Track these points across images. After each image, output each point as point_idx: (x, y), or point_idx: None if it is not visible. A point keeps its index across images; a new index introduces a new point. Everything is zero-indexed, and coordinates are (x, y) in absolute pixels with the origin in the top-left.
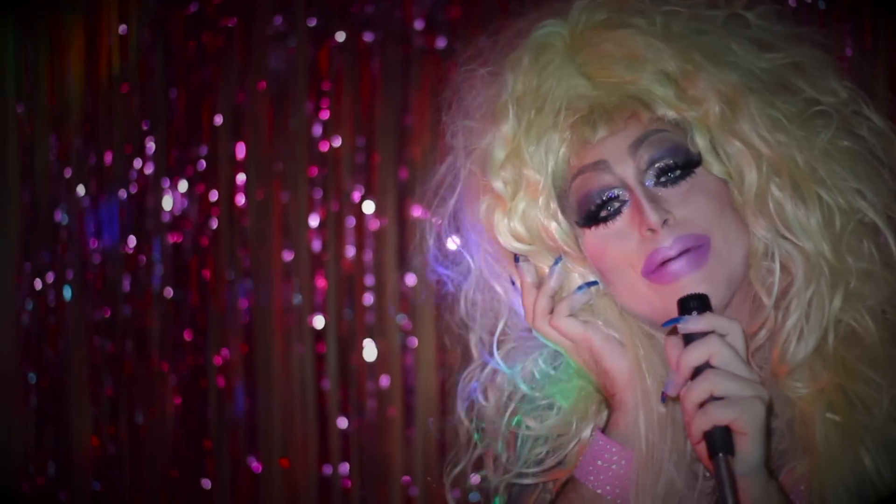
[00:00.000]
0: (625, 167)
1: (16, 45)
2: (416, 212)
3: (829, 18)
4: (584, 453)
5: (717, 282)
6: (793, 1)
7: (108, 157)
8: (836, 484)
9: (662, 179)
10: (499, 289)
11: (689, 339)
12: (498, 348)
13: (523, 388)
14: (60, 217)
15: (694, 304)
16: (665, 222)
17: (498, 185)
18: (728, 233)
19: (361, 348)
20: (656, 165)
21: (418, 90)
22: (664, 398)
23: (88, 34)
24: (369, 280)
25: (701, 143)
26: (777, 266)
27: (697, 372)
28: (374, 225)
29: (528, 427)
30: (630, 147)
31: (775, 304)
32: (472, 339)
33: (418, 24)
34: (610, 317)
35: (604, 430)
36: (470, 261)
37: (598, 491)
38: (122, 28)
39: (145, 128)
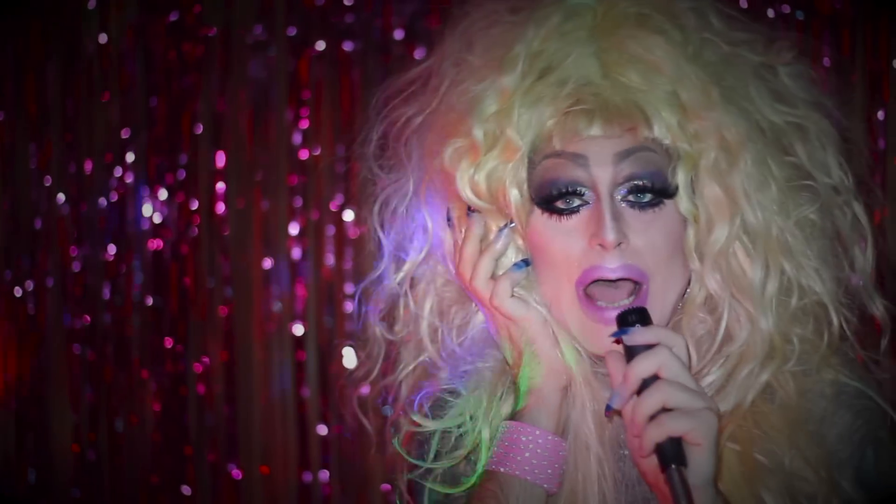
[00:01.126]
0: (602, 172)
1: None
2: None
3: (808, 28)
4: (496, 443)
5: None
6: (772, 12)
7: (87, 166)
8: None
9: (631, 199)
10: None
11: (631, 353)
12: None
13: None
14: (40, 225)
15: (634, 317)
16: (619, 244)
17: (477, 133)
18: (668, 278)
19: (341, 356)
20: (633, 182)
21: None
22: (609, 411)
23: (69, 42)
24: (349, 288)
25: (682, 177)
26: (722, 325)
27: (644, 385)
28: (353, 233)
29: (424, 424)
30: (615, 155)
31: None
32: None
33: (398, 34)
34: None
35: (513, 418)
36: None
37: (516, 474)
38: (103, 37)
39: (125, 136)
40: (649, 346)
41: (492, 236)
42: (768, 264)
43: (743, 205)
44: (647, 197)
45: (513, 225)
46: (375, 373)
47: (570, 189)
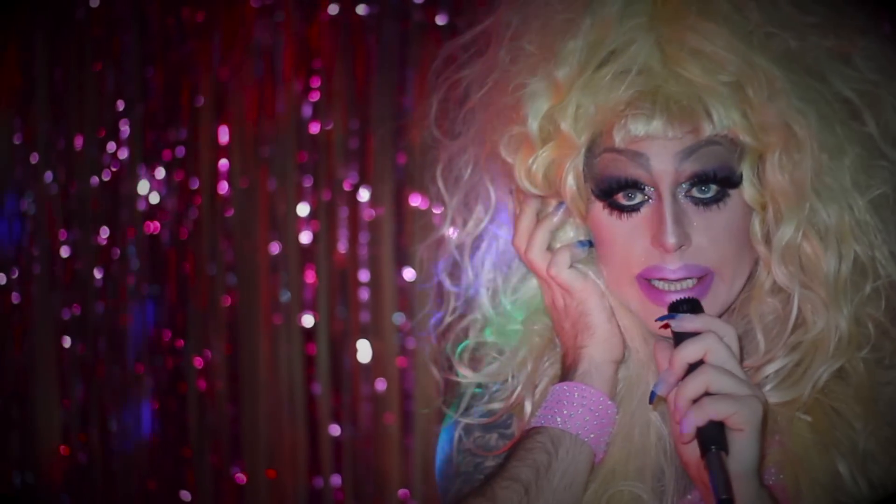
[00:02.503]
0: (664, 171)
1: None
2: (415, 201)
3: None
4: (545, 401)
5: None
6: None
7: (78, 141)
8: (810, 481)
9: (695, 194)
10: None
11: (680, 339)
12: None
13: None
14: (26, 206)
15: (685, 307)
16: (680, 247)
17: (533, 128)
18: (734, 269)
19: (355, 349)
20: (695, 182)
21: (417, 69)
22: (653, 397)
23: (57, 6)
24: (364, 275)
25: (747, 167)
26: (793, 313)
27: (690, 371)
28: (369, 215)
29: (462, 375)
30: (677, 154)
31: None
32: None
33: None
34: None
35: (563, 379)
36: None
37: (566, 428)
38: (94, 0)
39: (119, 109)
40: (697, 334)
41: (550, 209)
42: (841, 252)
43: (811, 196)
44: (712, 190)
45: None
46: (444, 324)
47: (631, 188)
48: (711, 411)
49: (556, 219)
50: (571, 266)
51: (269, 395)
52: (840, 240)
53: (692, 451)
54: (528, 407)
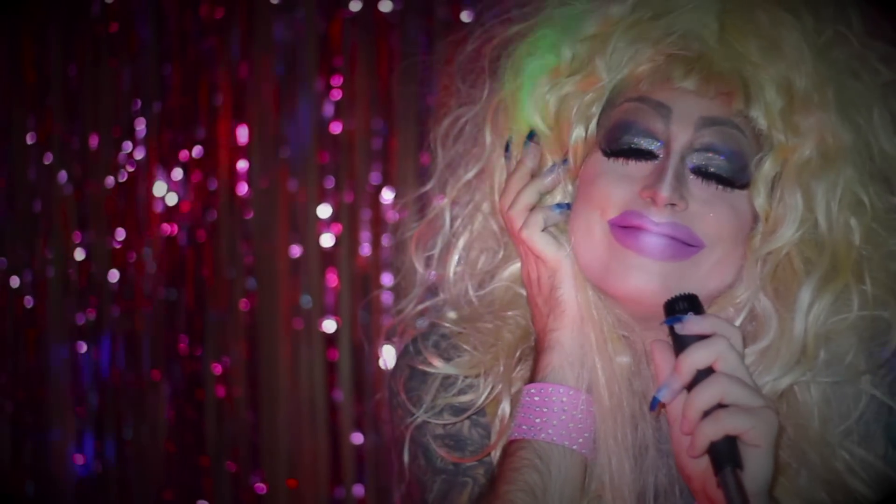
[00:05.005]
0: (681, 131)
1: None
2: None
3: None
4: (521, 408)
5: (671, 288)
6: None
7: (93, 141)
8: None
9: (701, 170)
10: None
11: (682, 343)
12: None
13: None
14: (39, 208)
15: (684, 304)
16: (673, 206)
17: (566, 53)
18: (724, 259)
19: (378, 355)
20: (707, 155)
21: (449, 62)
22: (655, 404)
23: (71, 1)
24: (387, 279)
25: (767, 170)
26: (749, 323)
27: (697, 379)
28: (392, 217)
29: (432, 365)
30: (701, 119)
31: None
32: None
33: None
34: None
35: (534, 378)
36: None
37: (553, 440)
38: None
39: (136, 108)
40: (702, 337)
41: (545, 170)
42: (825, 281)
43: (819, 216)
44: (717, 176)
45: (566, 164)
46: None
47: (642, 137)
48: (728, 426)
49: (547, 179)
50: (545, 230)
51: (289, 403)
52: (836, 270)
53: (697, 464)
54: (505, 406)
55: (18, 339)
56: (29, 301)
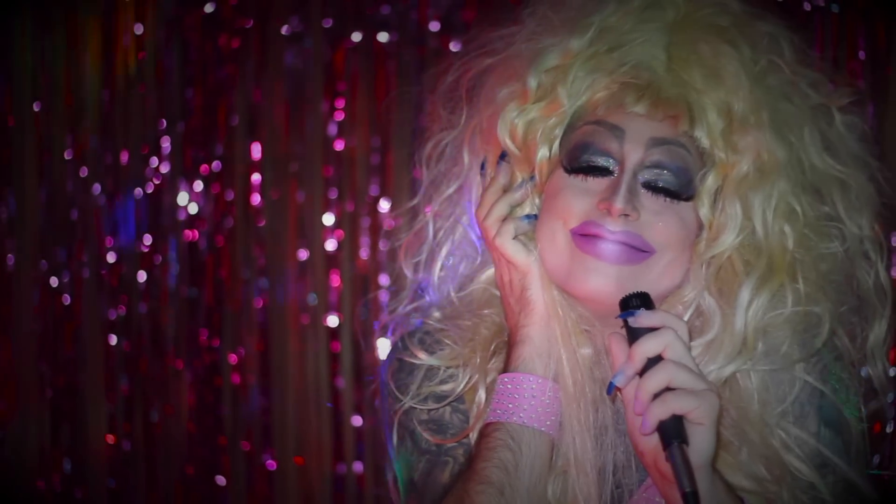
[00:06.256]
0: (633, 150)
1: (33, 44)
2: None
3: (843, 21)
4: (496, 395)
5: (626, 289)
6: (807, 5)
7: (124, 157)
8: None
9: (651, 185)
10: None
11: (635, 335)
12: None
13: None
14: (76, 216)
15: (637, 301)
16: (626, 216)
17: (531, 82)
18: (673, 263)
19: (376, 347)
20: (656, 171)
21: (433, 91)
22: (611, 388)
23: (105, 34)
24: (384, 279)
25: (710, 184)
26: (697, 318)
27: (648, 366)
28: (389, 224)
29: (415, 357)
30: (651, 139)
31: None
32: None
33: (433, 26)
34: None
35: (506, 368)
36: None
37: (524, 422)
38: (139, 28)
39: (161, 127)
40: (652, 329)
41: (515, 186)
42: (763, 280)
43: (756, 224)
44: (665, 190)
45: (534, 180)
46: (402, 307)
47: (599, 156)
48: (675, 406)
49: (517, 194)
50: (516, 238)
51: (297, 389)
52: (771, 272)
53: (648, 441)
54: (481, 393)
55: (57, 333)
56: (66, 299)
